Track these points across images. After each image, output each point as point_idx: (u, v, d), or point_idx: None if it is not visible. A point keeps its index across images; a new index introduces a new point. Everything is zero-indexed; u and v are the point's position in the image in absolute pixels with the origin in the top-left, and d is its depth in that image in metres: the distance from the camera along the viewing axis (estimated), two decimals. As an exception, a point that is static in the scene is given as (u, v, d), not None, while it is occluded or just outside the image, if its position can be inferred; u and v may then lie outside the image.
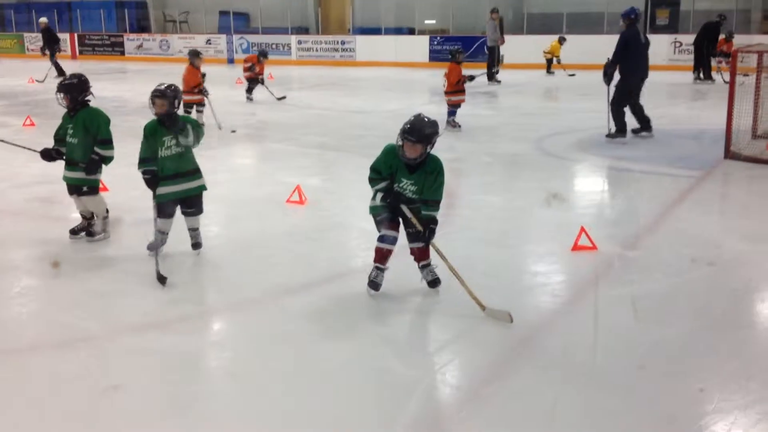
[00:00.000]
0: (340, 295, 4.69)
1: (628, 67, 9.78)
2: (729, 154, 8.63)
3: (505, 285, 4.87)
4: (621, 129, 9.87)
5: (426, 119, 4.42)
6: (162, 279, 4.80)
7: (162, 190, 5.14)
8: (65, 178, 5.65)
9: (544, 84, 18.76)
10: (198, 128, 5.21)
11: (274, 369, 3.74)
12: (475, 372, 3.72)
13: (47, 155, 5.64)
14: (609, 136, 9.92)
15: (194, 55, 11.38)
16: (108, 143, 5.61)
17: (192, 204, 5.28)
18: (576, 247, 5.38)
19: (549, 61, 20.50)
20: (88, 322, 4.31)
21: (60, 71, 19.13)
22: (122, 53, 30.23)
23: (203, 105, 11.28)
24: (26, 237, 5.83)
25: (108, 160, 5.62)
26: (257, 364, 3.80)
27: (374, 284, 4.66)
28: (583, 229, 5.42)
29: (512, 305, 4.48)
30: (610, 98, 9.93)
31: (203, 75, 11.22)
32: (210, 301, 4.74)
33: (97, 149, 5.57)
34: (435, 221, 4.47)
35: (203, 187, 5.30)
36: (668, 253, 5.43)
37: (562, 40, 20.23)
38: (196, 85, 11.03)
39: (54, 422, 3.28)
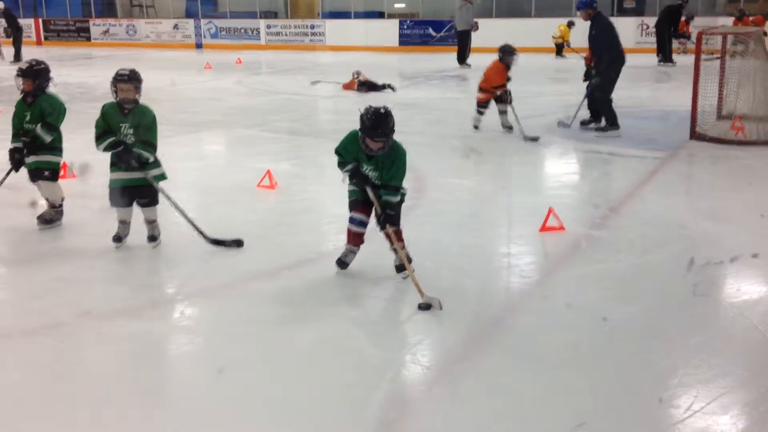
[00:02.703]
0: (311, 278, 4.71)
1: (616, 55, 9.17)
2: (694, 135, 8.78)
3: (475, 267, 4.93)
4: (615, 121, 9.20)
5: (384, 111, 4.36)
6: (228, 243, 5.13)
7: (112, 176, 5.08)
8: (28, 165, 5.58)
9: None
10: (153, 131, 5.11)
11: (245, 353, 3.77)
12: (445, 352, 3.78)
13: (17, 162, 5.52)
14: (600, 129, 9.33)
15: (510, 52, 9.34)
16: (52, 129, 5.51)
17: (144, 194, 5.15)
18: (544, 228, 5.45)
19: (559, 46, 20.58)
20: (59, 309, 4.29)
21: (17, 57, 19.17)
22: (88, 39, 29.79)
23: (504, 112, 9.46)
24: (-7, 225, 5.77)
25: (39, 140, 5.48)
26: (228, 349, 3.82)
27: (341, 262, 4.72)
28: (551, 210, 5.49)
29: (482, 286, 4.57)
30: (593, 91, 9.28)
31: (509, 79, 9.35)
32: (180, 287, 4.73)
33: (39, 128, 5.46)
34: (392, 206, 4.48)
35: (159, 177, 5.15)
36: (634, 232, 5.53)
37: (571, 24, 20.05)
38: (499, 85, 9.28)
39: (26, 409, 3.28)
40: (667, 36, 18.09)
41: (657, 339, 3.87)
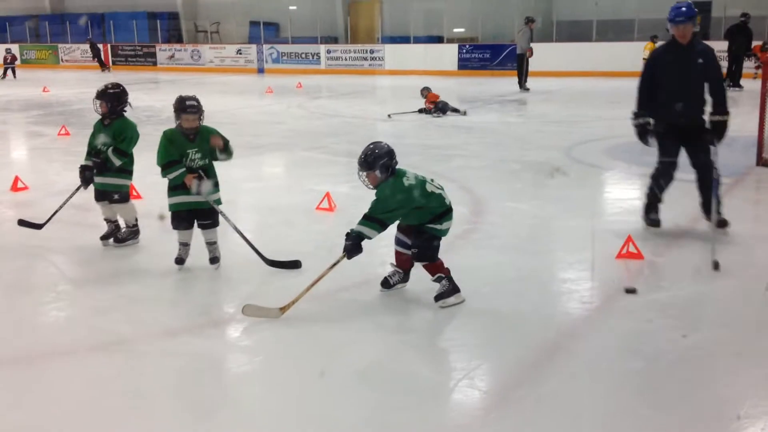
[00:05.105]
0: (368, 300, 4.73)
1: None
2: (761, 161, 8.55)
3: (533, 291, 4.88)
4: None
5: (369, 148, 4.62)
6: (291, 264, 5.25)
7: (175, 200, 5.19)
8: (96, 184, 5.77)
9: (573, 91, 18.69)
10: (227, 141, 5.26)
11: (301, 374, 3.79)
12: (503, 376, 3.74)
13: (86, 180, 5.72)
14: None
15: None
16: (123, 155, 5.68)
17: (205, 216, 5.25)
18: (620, 256, 5.35)
19: None
20: (123, 326, 4.39)
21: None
22: (155, 63, 30.66)
23: None
24: (62, 244, 5.95)
25: (109, 163, 5.65)
26: (286, 369, 3.85)
27: (384, 281, 4.82)
28: (629, 239, 5.39)
29: (541, 311, 4.52)
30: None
31: None
32: (240, 306, 4.79)
33: (110, 151, 5.64)
34: (351, 235, 4.57)
35: (217, 202, 5.26)
36: (698, 259, 5.39)
37: (655, 39, 19.45)
38: None
39: (89, 424, 3.35)
40: (738, 60, 17.77)
41: (723, 368, 3.77)
